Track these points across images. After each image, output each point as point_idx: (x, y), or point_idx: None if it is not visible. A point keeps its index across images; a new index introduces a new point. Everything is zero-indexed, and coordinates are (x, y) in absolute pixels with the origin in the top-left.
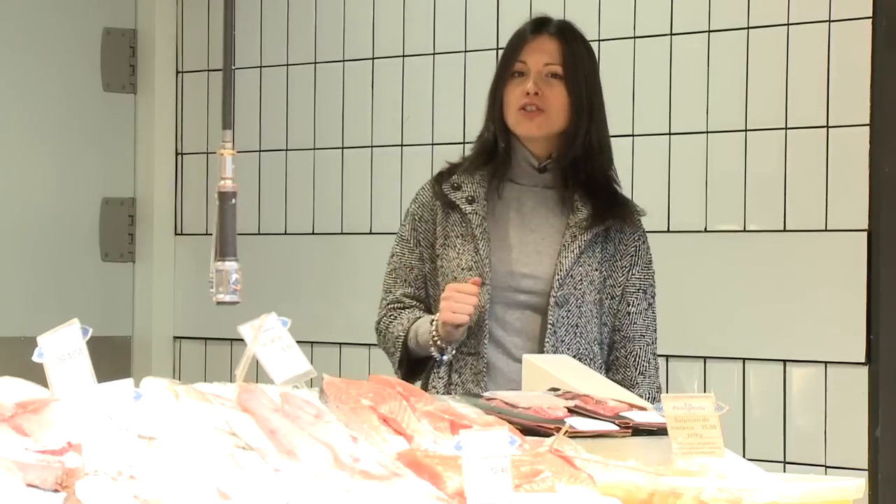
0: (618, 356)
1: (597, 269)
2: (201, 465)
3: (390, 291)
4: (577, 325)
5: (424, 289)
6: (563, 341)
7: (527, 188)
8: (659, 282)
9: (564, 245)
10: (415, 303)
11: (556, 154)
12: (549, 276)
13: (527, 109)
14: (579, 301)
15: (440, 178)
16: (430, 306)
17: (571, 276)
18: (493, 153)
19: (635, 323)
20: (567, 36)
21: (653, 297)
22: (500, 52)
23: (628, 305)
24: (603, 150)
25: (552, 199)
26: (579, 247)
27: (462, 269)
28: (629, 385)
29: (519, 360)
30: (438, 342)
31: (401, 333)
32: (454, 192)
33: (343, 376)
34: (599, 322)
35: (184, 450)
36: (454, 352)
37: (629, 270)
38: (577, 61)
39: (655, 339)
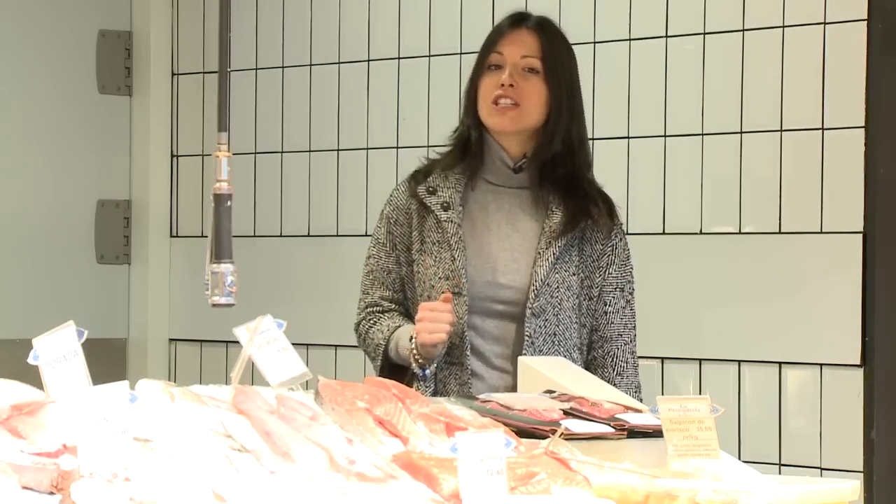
0: (595, 356)
1: (574, 274)
2: (197, 467)
3: (368, 293)
4: (554, 335)
5: (402, 292)
6: (540, 351)
7: (502, 189)
8: (654, 284)
9: (539, 253)
10: (393, 306)
11: (532, 152)
12: (525, 286)
13: (500, 103)
14: (556, 309)
15: (416, 178)
16: (408, 309)
17: (548, 284)
18: (469, 148)
19: (612, 322)
20: (546, 31)
21: (631, 293)
22: None
23: (605, 305)
24: (583, 149)
25: (527, 200)
26: (554, 254)
27: (439, 277)
28: None
29: (498, 368)
30: (419, 360)
31: (381, 341)
32: (429, 197)
33: (338, 378)
34: (579, 325)
35: (179, 452)
36: (436, 366)
37: (606, 269)
38: (556, 55)
39: (634, 336)
